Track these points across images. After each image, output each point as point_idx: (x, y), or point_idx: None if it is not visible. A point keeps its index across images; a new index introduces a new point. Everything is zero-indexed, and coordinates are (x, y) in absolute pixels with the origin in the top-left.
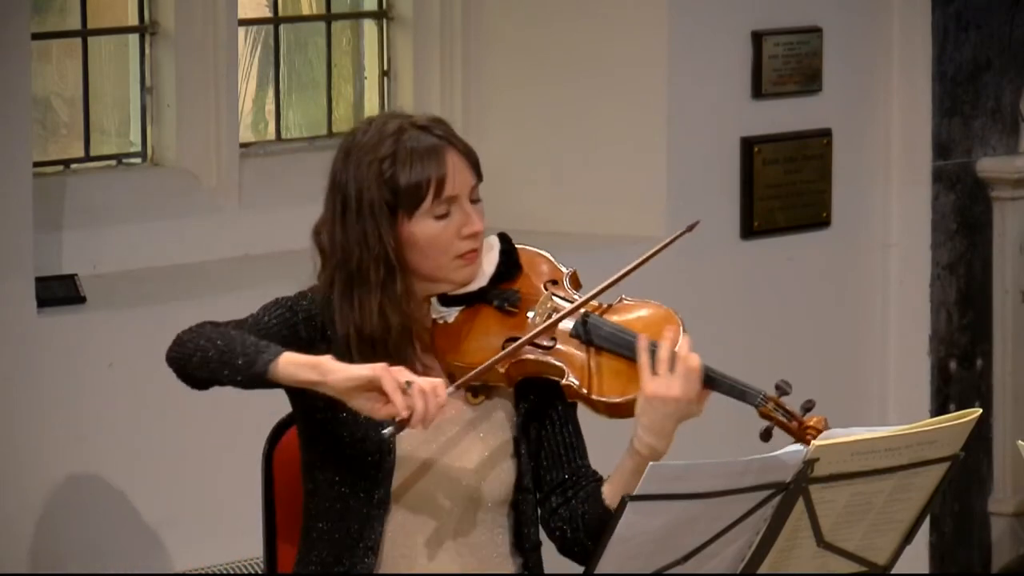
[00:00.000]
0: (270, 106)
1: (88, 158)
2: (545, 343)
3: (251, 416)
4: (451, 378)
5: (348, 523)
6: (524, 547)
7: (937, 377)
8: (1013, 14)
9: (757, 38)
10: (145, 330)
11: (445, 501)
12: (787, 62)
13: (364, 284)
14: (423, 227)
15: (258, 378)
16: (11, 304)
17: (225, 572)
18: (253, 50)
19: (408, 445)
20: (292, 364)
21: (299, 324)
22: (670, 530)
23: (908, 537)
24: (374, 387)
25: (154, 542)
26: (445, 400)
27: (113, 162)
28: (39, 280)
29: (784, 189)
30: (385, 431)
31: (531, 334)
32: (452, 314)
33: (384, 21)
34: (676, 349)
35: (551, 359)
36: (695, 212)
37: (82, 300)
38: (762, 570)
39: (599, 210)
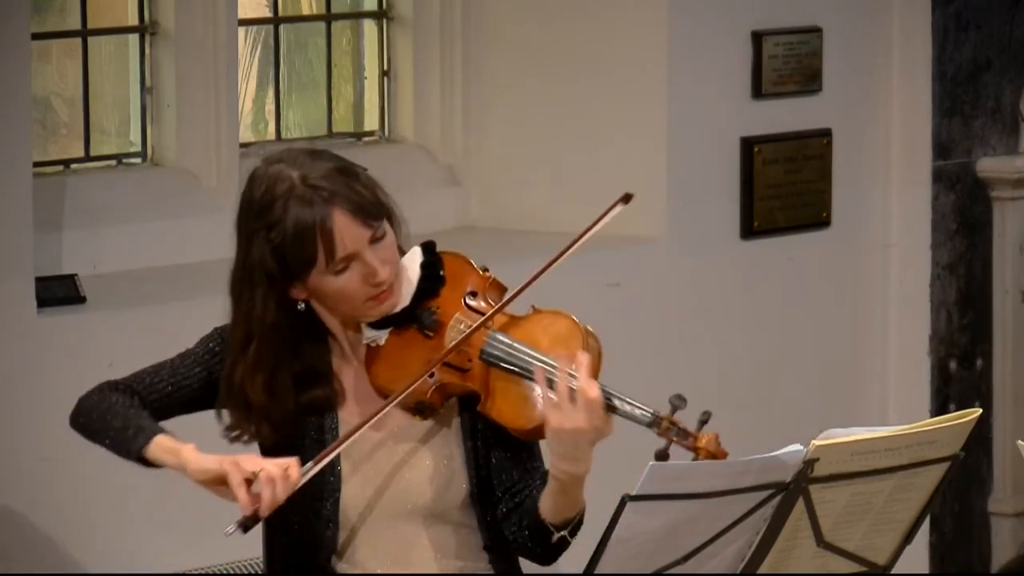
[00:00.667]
0: (270, 106)
1: (88, 158)
2: (463, 366)
3: None
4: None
5: (305, 537)
6: (492, 546)
7: (937, 377)
8: (1013, 14)
9: (757, 38)
10: (145, 330)
11: (404, 512)
12: (787, 62)
13: (232, 334)
14: (325, 283)
15: (138, 460)
16: (11, 304)
17: (225, 572)
18: (253, 50)
19: (355, 462)
20: (159, 449)
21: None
22: (670, 530)
23: (908, 537)
24: (224, 480)
25: (154, 542)
26: (297, 481)
27: (113, 162)
28: (39, 280)
29: (784, 189)
30: (227, 529)
31: (409, 387)
32: (382, 336)
33: (384, 21)
34: (575, 378)
35: (468, 384)
36: (695, 212)
37: (82, 300)
38: (762, 570)
39: (599, 210)
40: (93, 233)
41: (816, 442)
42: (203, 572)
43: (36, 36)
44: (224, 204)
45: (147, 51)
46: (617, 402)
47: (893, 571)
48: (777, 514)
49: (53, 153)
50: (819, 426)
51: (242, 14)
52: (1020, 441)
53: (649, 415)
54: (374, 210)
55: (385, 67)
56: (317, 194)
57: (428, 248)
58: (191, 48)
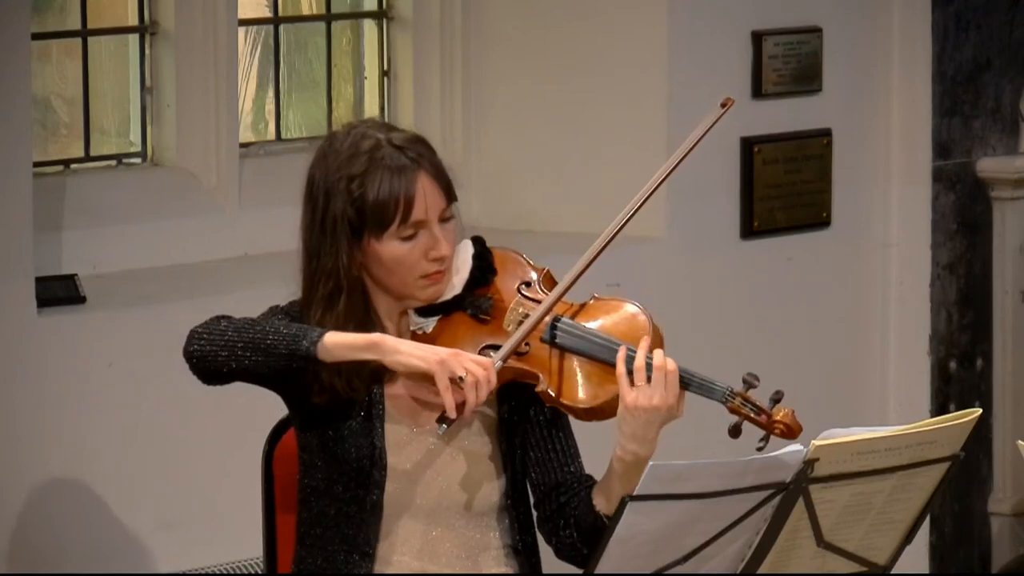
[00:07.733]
0: (270, 106)
1: (88, 158)
2: (520, 349)
3: (251, 416)
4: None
5: (342, 528)
6: (520, 548)
7: (937, 377)
8: (1013, 14)
9: (757, 38)
10: (145, 330)
11: (436, 509)
12: (787, 62)
13: (314, 293)
14: (389, 248)
15: (303, 360)
16: (11, 304)
17: (225, 572)
18: (253, 50)
19: (395, 454)
20: (342, 345)
21: None
22: (670, 530)
23: (908, 537)
24: (428, 379)
25: (154, 542)
26: (495, 383)
27: (113, 162)
28: (39, 280)
29: (784, 189)
30: (439, 429)
31: (509, 347)
32: (430, 324)
33: (384, 21)
34: (652, 356)
35: (525, 366)
36: (695, 212)
37: (82, 300)
38: (762, 570)
39: (599, 210)
40: (93, 233)
41: (816, 442)
42: (203, 572)
43: (36, 36)
44: (224, 204)
45: (147, 51)
46: (692, 379)
47: (893, 571)
48: (777, 514)
49: (53, 153)
50: (819, 426)
51: (242, 14)
52: (1020, 441)
53: (724, 390)
54: (450, 186)
55: (385, 67)
56: (404, 154)
57: (478, 240)
58: (191, 48)
